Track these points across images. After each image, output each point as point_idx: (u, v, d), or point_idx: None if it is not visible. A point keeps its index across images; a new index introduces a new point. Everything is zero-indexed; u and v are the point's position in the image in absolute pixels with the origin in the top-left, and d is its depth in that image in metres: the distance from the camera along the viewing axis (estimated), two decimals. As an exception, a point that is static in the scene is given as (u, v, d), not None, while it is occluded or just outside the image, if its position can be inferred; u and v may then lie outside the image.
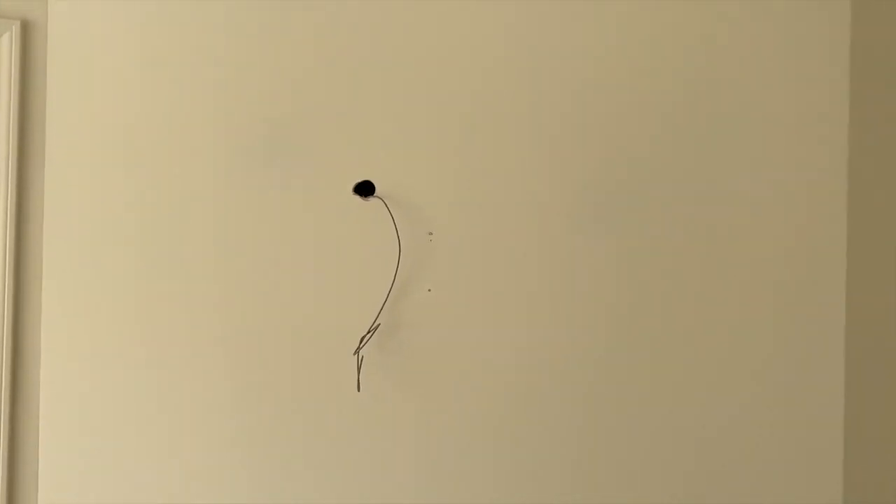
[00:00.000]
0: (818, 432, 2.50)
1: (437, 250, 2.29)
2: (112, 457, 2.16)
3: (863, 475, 2.50)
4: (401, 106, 2.27)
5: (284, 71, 2.22)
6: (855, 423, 2.49)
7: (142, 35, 2.15)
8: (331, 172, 2.24)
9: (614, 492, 2.40)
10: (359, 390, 2.22)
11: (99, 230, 2.14)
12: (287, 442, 2.22)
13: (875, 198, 2.48)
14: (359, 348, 2.22)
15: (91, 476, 2.15)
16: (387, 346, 2.26)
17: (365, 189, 2.24)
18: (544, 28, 2.34)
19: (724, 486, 2.46)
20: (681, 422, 2.44)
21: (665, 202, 2.41)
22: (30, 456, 2.13)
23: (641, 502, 2.42)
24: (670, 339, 2.43)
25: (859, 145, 2.49)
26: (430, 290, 2.28)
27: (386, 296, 2.24)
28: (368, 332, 2.22)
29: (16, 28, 2.08)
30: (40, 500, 2.13)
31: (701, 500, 2.44)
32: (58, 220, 2.12)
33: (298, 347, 2.22)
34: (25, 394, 2.12)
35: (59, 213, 2.12)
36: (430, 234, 2.28)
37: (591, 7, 2.37)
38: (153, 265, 2.16)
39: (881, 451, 2.48)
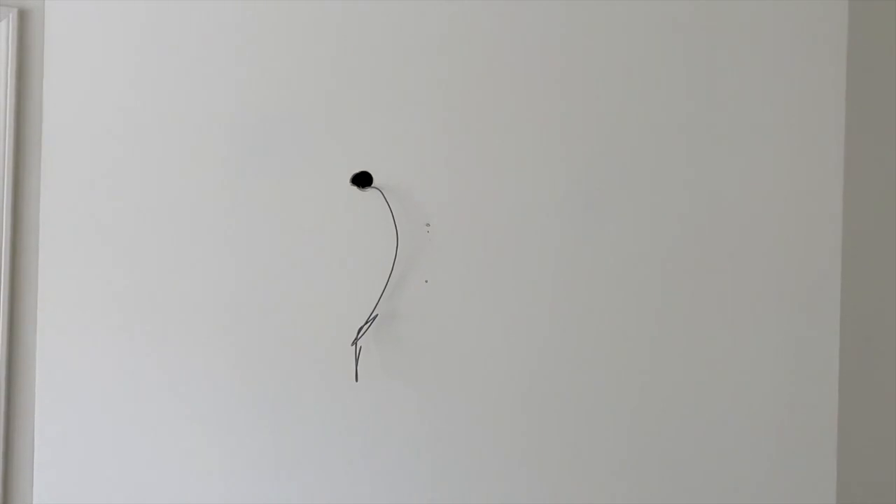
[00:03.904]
0: (812, 433, 2.52)
1: (434, 241, 2.29)
2: (107, 455, 2.14)
3: (856, 476, 2.51)
4: (398, 97, 2.28)
5: (283, 62, 2.22)
6: (848, 425, 2.51)
7: (139, 24, 2.14)
8: (328, 163, 2.24)
9: (609, 487, 2.41)
10: (357, 380, 2.22)
11: (96, 221, 2.13)
12: (286, 432, 2.21)
13: (871, 199, 2.50)
14: (356, 339, 2.21)
15: (86, 475, 2.13)
16: (384, 337, 2.26)
17: (362, 180, 2.24)
18: (541, 22, 2.36)
19: (718, 485, 2.47)
20: (674, 419, 2.45)
21: (660, 201, 2.43)
22: (25, 455, 2.10)
23: (634, 499, 2.43)
24: (664, 338, 2.44)
25: (855, 146, 2.51)
26: (426, 282, 2.28)
27: (383, 286, 2.24)
28: (366, 323, 2.22)
29: (13, 16, 2.07)
30: (35, 501, 2.11)
31: (695, 499, 2.45)
32: (54, 212, 2.11)
33: (296, 338, 2.22)
34: (21, 393, 2.10)
35: (55, 204, 2.11)
36: (428, 225, 2.29)
37: (587, 4, 2.39)
38: (149, 257, 2.15)
39: (874, 452, 2.49)
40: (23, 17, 2.09)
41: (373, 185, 2.25)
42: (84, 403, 2.12)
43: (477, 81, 2.32)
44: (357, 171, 2.25)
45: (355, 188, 2.25)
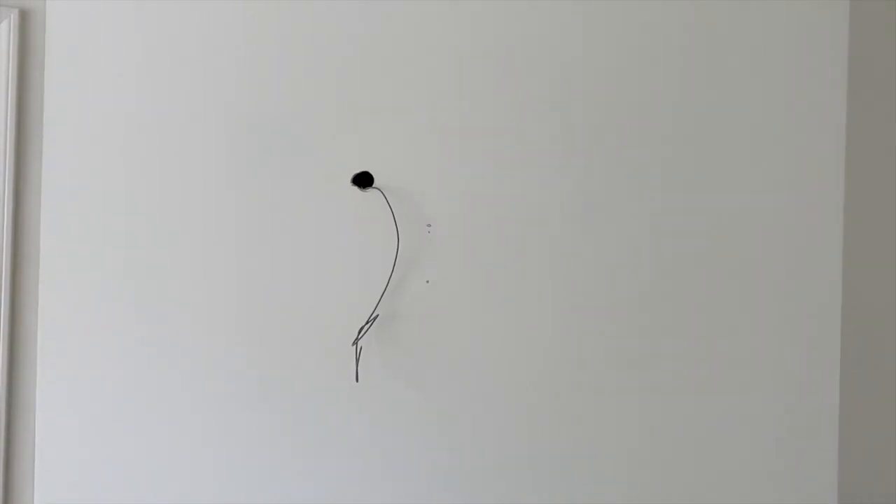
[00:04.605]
0: (813, 433, 2.52)
1: (436, 242, 2.29)
2: (109, 455, 2.13)
3: (857, 476, 2.51)
4: (399, 97, 2.28)
5: (284, 62, 2.22)
6: (850, 424, 2.51)
7: (140, 25, 2.14)
8: (329, 164, 2.24)
9: (610, 488, 2.41)
10: (357, 381, 2.22)
11: (97, 223, 2.13)
12: (286, 433, 2.21)
13: (872, 198, 2.50)
14: (357, 339, 2.21)
15: (88, 475, 2.12)
16: (385, 337, 2.26)
17: (363, 180, 2.24)
18: (543, 23, 2.36)
19: (719, 485, 2.47)
20: (675, 419, 2.45)
21: (660, 202, 2.43)
22: (26, 456, 2.10)
23: (634, 499, 2.43)
24: (665, 339, 2.44)
25: (857, 145, 2.51)
26: (427, 282, 2.29)
27: (384, 287, 2.24)
28: (367, 323, 2.22)
29: (14, 16, 2.07)
30: (37, 501, 2.10)
31: (696, 499, 2.45)
32: (55, 213, 2.10)
33: (297, 338, 2.22)
34: (22, 392, 2.09)
35: (56, 205, 2.10)
36: (429, 225, 2.29)
37: (590, 5, 2.39)
38: (150, 259, 2.15)
39: (876, 452, 2.49)
40: (24, 18, 2.08)
41: (374, 185, 2.25)
42: (85, 404, 2.12)
43: (478, 82, 2.32)
44: (358, 171, 2.25)
45: (356, 188, 2.25)
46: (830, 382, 2.53)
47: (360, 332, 2.21)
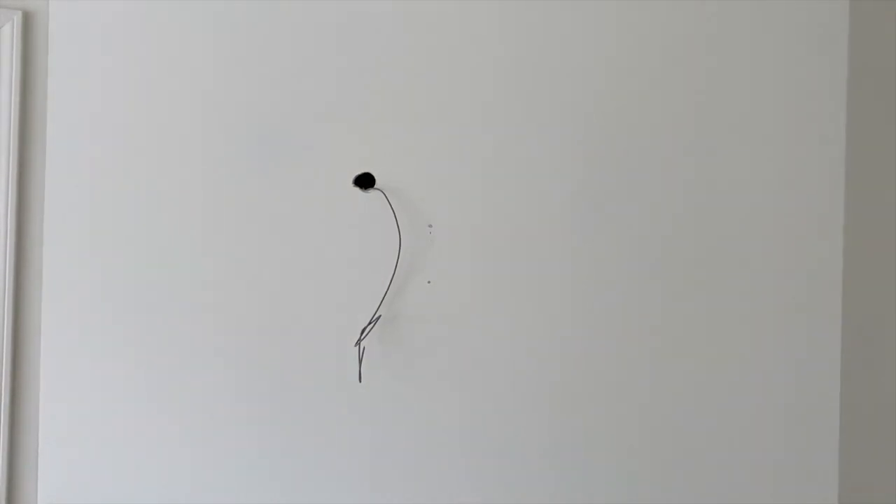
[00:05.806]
0: (814, 433, 2.52)
1: (437, 242, 2.30)
2: (112, 455, 2.14)
3: (858, 476, 2.51)
4: (401, 98, 2.28)
5: (286, 64, 2.22)
6: (850, 424, 2.51)
7: (142, 27, 2.15)
8: (331, 165, 2.25)
9: (610, 488, 2.41)
10: (360, 381, 2.22)
11: (100, 224, 2.14)
12: (289, 433, 2.22)
13: (872, 198, 2.51)
14: (360, 340, 2.22)
15: (91, 475, 2.13)
16: (387, 338, 2.26)
17: (365, 181, 2.25)
18: (544, 23, 2.36)
19: (720, 485, 2.47)
20: (675, 419, 2.45)
21: (662, 203, 2.43)
22: (30, 454, 2.11)
23: (634, 498, 2.43)
24: (666, 339, 2.44)
25: (857, 145, 2.52)
26: (429, 282, 2.29)
27: (386, 287, 2.24)
28: (369, 324, 2.22)
29: (17, 18, 2.08)
30: (40, 500, 2.11)
31: (696, 498, 2.45)
32: (58, 215, 2.11)
33: (300, 339, 2.22)
34: (26, 392, 2.10)
35: (59, 207, 2.11)
36: (430, 226, 2.29)
37: (591, 5, 2.40)
38: (153, 260, 2.16)
39: (876, 452, 2.50)
40: (27, 20, 2.09)
41: (375, 186, 2.25)
42: (88, 403, 2.13)
43: (480, 82, 2.33)
44: (359, 172, 2.25)
45: (358, 189, 2.25)
46: (830, 382, 2.54)
47: (362, 333, 2.22)
